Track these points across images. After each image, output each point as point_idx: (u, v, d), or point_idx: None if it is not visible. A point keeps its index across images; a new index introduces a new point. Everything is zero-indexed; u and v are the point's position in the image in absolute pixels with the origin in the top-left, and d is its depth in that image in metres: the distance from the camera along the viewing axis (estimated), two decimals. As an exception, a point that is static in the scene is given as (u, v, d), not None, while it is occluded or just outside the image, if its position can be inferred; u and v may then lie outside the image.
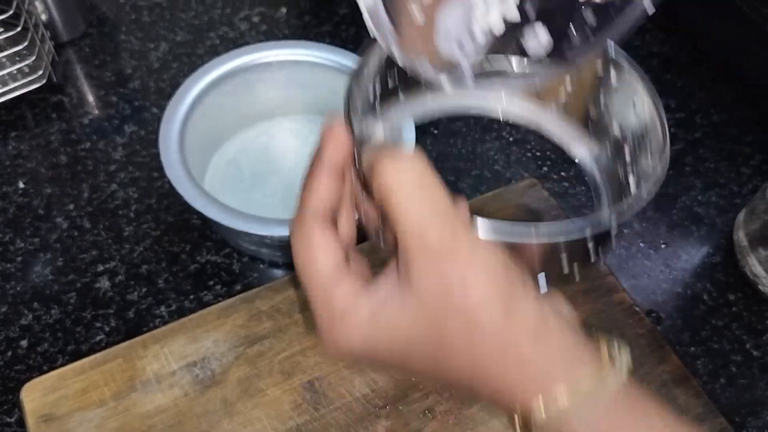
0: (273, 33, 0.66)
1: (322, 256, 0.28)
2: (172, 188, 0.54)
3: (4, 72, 0.57)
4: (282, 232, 0.46)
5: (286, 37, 0.66)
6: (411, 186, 0.27)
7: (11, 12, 0.54)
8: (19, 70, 0.58)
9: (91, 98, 0.61)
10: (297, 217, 0.30)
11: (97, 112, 0.60)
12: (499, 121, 0.61)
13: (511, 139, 0.60)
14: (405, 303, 0.27)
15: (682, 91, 0.65)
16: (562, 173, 0.59)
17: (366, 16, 0.27)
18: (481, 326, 0.26)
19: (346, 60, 0.54)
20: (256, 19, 0.67)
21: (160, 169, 0.56)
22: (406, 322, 0.27)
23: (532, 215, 0.54)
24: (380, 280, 0.28)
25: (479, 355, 0.27)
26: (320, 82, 0.56)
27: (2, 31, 0.58)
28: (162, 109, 0.60)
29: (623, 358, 0.28)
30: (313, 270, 0.29)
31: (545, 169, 0.59)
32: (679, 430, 0.28)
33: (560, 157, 0.59)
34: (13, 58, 0.58)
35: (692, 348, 0.50)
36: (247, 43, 0.65)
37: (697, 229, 0.56)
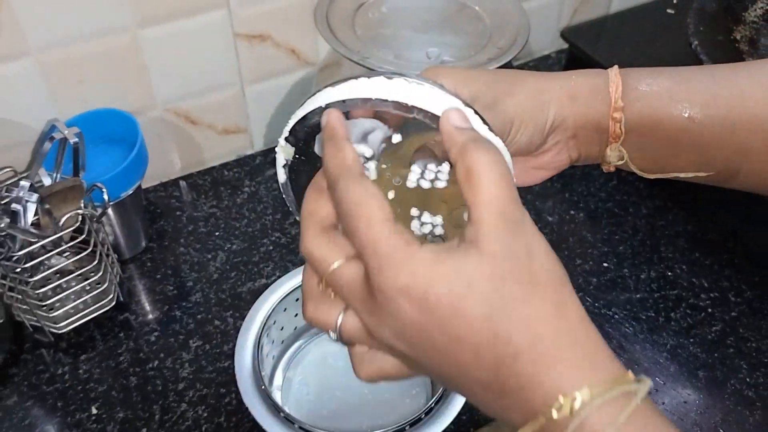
0: (321, 236, 0.70)
1: (384, 203, 0.31)
2: (239, 404, 0.56)
3: (79, 301, 0.61)
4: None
5: (333, 239, 0.70)
6: (498, 174, 0.31)
7: (82, 237, 0.58)
8: (89, 292, 0.62)
9: (155, 314, 0.64)
10: (344, 171, 0.32)
11: (162, 329, 0.63)
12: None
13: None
14: (471, 257, 0.29)
15: (712, 270, 0.68)
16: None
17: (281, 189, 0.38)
18: (540, 293, 0.29)
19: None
20: (304, 222, 0.71)
21: (226, 384, 0.59)
22: (469, 269, 0.29)
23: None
24: (437, 246, 0.31)
25: (534, 319, 0.29)
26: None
27: (70, 255, 0.62)
28: (224, 321, 0.64)
29: (642, 378, 0.30)
30: (378, 211, 0.30)
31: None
32: None
33: (609, 345, 0.62)
34: (82, 281, 0.61)
35: None
36: (298, 248, 0.69)
37: (750, 414, 0.58)
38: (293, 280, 0.59)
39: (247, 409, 0.52)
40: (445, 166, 0.35)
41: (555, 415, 0.28)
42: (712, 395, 0.59)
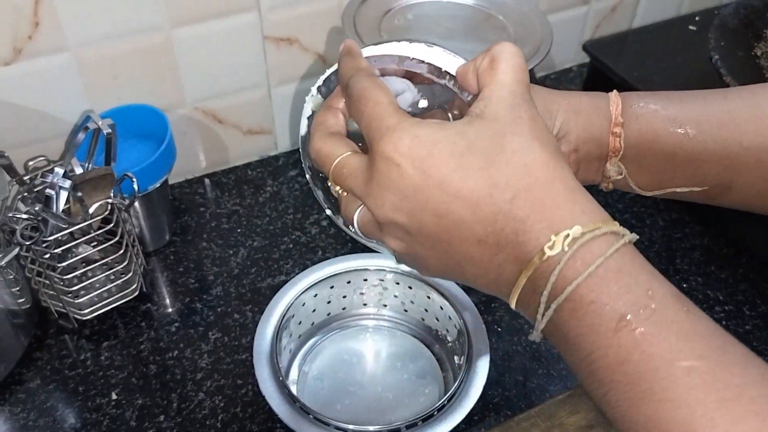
0: (341, 236, 0.71)
1: (389, 91, 0.35)
2: (255, 396, 0.57)
3: (103, 290, 0.62)
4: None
5: (352, 239, 0.71)
6: (519, 63, 0.35)
7: (110, 227, 0.60)
8: (113, 282, 0.63)
9: (176, 306, 0.65)
10: (356, 71, 0.36)
11: (182, 320, 0.64)
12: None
13: (571, 335, 0.64)
14: (473, 123, 0.32)
15: (727, 283, 0.68)
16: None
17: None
18: (538, 146, 0.32)
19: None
20: (324, 222, 0.73)
21: (244, 375, 0.60)
22: (472, 132, 0.32)
23: (605, 418, 0.56)
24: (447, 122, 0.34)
25: (531, 166, 0.31)
26: (397, 292, 0.60)
27: (97, 244, 0.64)
28: (243, 314, 0.65)
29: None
30: (383, 95, 0.34)
31: (608, 366, 0.62)
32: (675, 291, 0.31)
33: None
34: (107, 270, 0.63)
35: None
36: (318, 247, 0.70)
37: (763, 427, 0.58)
38: (312, 275, 0.60)
39: (263, 400, 0.53)
40: None
41: (548, 252, 0.30)
42: (724, 406, 0.59)
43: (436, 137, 0.32)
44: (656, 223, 0.74)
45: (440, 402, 0.52)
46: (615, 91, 0.46)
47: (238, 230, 0.72)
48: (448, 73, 0.36)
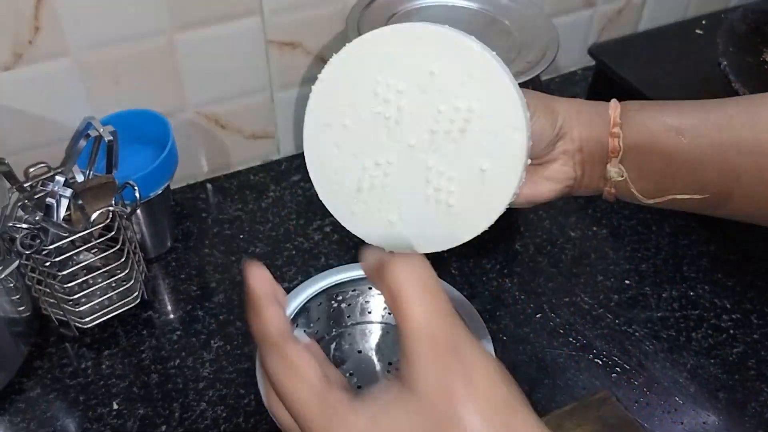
0: (344, 242, 0.71)
1: (308, 368, 0.30)
2: (258, 405, 0.56)
3: (104, 297, 0.62)
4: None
5: (356, 246, 0.71)
6: (420, 288, 0.29)
7: (111, 234, 0.59)
8: (114, 289, 0.63)
9: (178, 313, 0.65)
10: (265, 343, 0.31)
11: (184, 328, 0.63)
12: (565, 325, 0.64)
13: (577, 344, 0.63)
14: (409, 406, 0.28)
15: (734, 291, 0.68)
16: (633, 380, 0.61)
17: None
18: (483, 426, 0.27)
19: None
20: (327, 228, 0.72)
21: (246, 385, 0.59)
22: (409, 425, 0.28)
23: (611, 430, 0.55)
24: (376, 390, 0.30)
25: None
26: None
27: (98, 252, 0.63)
28: (246, 323, 0.64)
29: None
30: (302, 383, 0.30)
31: (614, 375, 0.61)
32: None
33: (628, 362, 0.62)
34: (108, 278, 0.62)
35: None
36: (321, 253, 0.70)
37: (771, 438, 0.57)
38: (315, 285, 0.59)
39: (265, 411, 0.52)
40: None
41: None
42: (732, 417, 0.58)
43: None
44: (662, 229, 0.73)
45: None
46: (614, 99, 0.47)
47: (241, 236, 0.72)
48: None
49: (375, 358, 0.61)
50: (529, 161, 0.39)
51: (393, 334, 0.63)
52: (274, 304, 0.33)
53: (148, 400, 0.58)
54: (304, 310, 0.58)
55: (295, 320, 0.58)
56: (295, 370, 0.30)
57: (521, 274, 0.69)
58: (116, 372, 0.60)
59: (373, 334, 0.63)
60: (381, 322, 0.63)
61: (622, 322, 0.65)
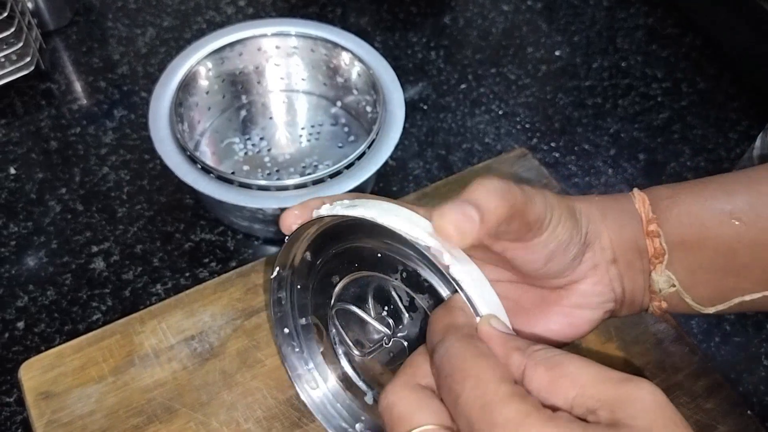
0: (259, 16, 0.66)
1: (495, 359, 0.25)
2: (164, 169, 0.54)
3: (-6, 62, 0.57)
4: (274, 204, 0.46)
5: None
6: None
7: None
8: (7, 57, 0.58)
9: (79, 84, 0.61)
10: (454, 335, 0.27)
11: (86, 97, 0.60)
12: (489, 94, 0.62)
13: (500, 112, 0.61)
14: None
15: (668, 62, 0.65)
16: (552, 143, 0.59)
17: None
18: None
19: (331, 35, 0.55)
20: (242, 2, 0.67)
21: (151, 151, 0.56)
22: None
23: (522, 183, 0.54)
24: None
25: None
26: (306, 55, 0.56)
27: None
28: (151, 93, 0.61)
29: None
30: (486, 367, 0.25)
31: (535, 140, 0.59)
32: None
33: (550, 128, 0.60)
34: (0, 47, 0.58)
35: (686, 308, 0.50)
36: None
37: (686, 194, 0.57)
38: (215, 42, 0.55)
39: (171, 173, 0.50)
40: None
41: None
42: (650, 176, 0.58)
43: None
44: (600, 2, 0.70)
45: (360, 149, 0.49)
46: (635, 189, 0.36)
47: (147, 10, 0.66)
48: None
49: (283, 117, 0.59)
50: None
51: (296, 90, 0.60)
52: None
53: (48, 166, 0.56)
54: (202, 65, 0.54)
55: (192, 78, 0.54)
56: (490, 357, 0.25)
57: (448, 47, 0.65)
58: (13, 140, 0.57)
59: (277, 93, 0.60)
60: (284, 85, 0.60)
61: (548, 91, 0.63)
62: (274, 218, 0.50)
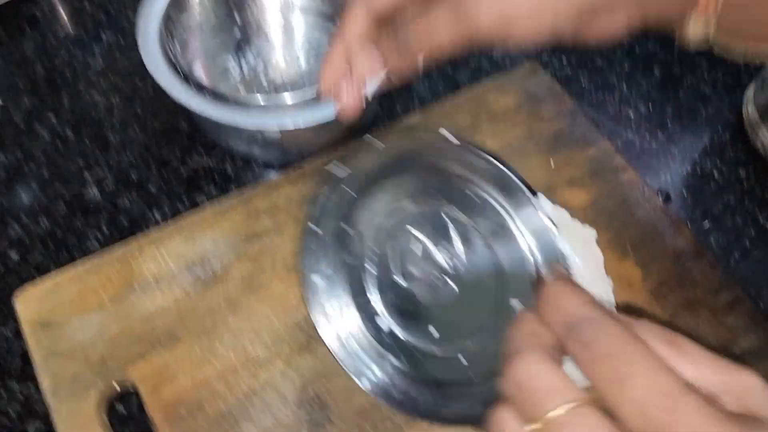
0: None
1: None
2: (157, 93, 0.52)
3: (-32, -20, 0.54)
4: (273, 123, 0.44)
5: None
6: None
7: None
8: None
9: (65, 9, 0.58)
10: (583, 303, 0.25)
11: (72, 22, 0.57)
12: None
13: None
14: None
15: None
16: (563, 58, 0.56)
17: None
18: None
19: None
20: None
21: (143, 74, 0.54)
22: None
23: (534, 100, 0.51)
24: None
25: None
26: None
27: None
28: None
29: None
30: (652, 358, 0.22)
31: (545, 56, 0.56)
32: None
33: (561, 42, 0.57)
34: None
35: (705, 224, 0.49)
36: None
37: (704, 108, 0.54)
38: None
39: (164, 98, 0.47)
40: None
41: None
42: (666, 90, 0.55)
43: None
44: None
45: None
46: None
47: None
48: None
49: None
50: None
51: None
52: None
53: (35, 93, 0.53)
54: None
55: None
56: (641, 344, 0.23)
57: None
58: (-3, 67, 0.54)
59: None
60: (281, 9, 0.56)
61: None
62: (273, 141, 0.47)
